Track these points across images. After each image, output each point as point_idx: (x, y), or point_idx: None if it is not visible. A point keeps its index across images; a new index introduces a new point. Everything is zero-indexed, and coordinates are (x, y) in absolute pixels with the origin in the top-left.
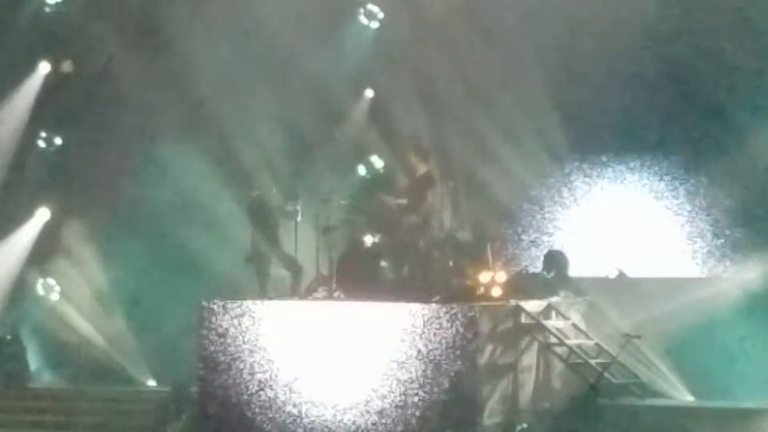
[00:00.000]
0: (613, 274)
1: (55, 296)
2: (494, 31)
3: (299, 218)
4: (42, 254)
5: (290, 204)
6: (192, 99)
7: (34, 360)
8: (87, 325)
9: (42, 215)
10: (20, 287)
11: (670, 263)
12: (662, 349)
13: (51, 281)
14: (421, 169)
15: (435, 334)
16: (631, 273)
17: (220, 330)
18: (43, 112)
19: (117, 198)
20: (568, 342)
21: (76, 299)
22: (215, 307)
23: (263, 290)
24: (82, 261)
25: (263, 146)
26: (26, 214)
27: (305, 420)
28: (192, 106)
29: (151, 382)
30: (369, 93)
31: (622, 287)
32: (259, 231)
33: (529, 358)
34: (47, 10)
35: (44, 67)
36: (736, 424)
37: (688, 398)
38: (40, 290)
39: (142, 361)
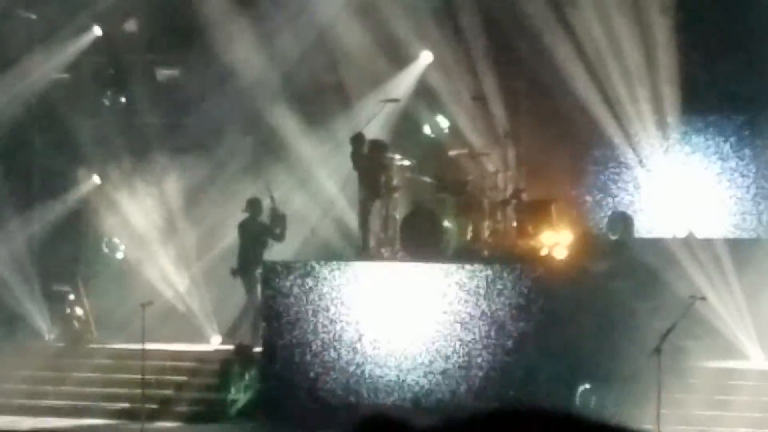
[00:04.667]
0: (682, 234)
1: (120, 255)
2: None
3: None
4: (107, 212)
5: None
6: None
7: (98, 318)
8: (152, 283)
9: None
10: (85, 245)
11: (735, 224)
12: (728, 310)
13: (116, 240)
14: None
15: (499, 295)
16: (698, 234)
17: (283, 290)
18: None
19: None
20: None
21: (140, 258)
22: (279, 267)
23: (249, 302)
24: (147, 220)
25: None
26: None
27: (368, 380)
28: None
29: (216, 340)
30: (429, 54)
31: (689, 248)
32: (246, 247)
33: (591, 319)
34: None
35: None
36: None
37: (756, 359)
38: (104, 248)
39: (208, 320)
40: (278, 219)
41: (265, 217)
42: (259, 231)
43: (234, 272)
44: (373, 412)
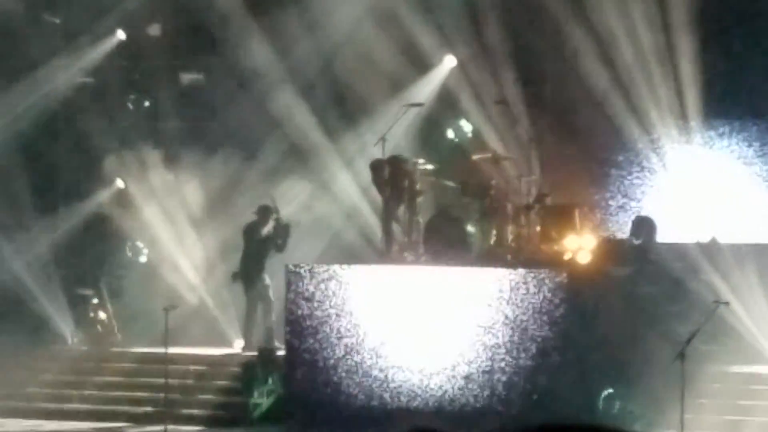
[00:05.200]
0: (705, 239)
1: (143, 258)
2: None
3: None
4: (130, 216)
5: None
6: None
7: (121, 322)
8: (175, 287)
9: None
10: (108, 249)
11: (758, 229)
12: (751, 314)
13: (139, 244)
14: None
15: (522, 300)
16: (721, 239)
17: (306, 294)
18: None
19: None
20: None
21: (164, 262)
22: (302, 271)
23: (251, 308)
24: (171, 224)
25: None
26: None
27: (392, 384)
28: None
29: (239, 344)
30: (453, 58)
31: (712, 253)
32: (250, 253)
33: (614, 324)
34: None
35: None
36: None
37: None
38: (128, 252)
39: (230, 324)
40: (281, 229)
41: (269, 227)
42: (263, 238)
43: (235, 276)
44: (421, 424)
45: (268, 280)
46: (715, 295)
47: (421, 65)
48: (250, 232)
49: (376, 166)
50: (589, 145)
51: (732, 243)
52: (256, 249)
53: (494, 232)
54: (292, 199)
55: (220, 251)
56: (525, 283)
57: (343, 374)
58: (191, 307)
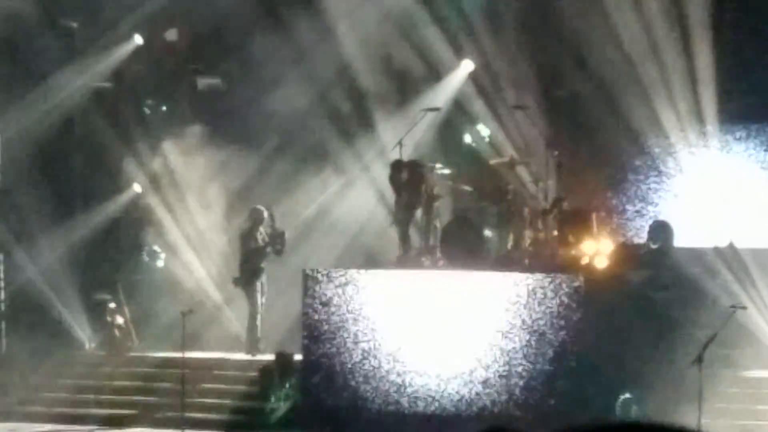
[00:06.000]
0: (723, 244)
1: (160, 263)
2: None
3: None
4: (148, 221)
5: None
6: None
7: (138, 327)
8: (192, 292)
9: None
10: (125, 255)
11: None
12: None
13: (157, 248)
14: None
15: (539, 304)
16: (738, 244)
17: (323, 299)
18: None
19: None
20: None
21: (181, 266)
22: (319, 275)
23: (253, 312)
24: (189, 228)
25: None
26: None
27: (409, 389)
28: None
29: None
30: (470, 63)
31: (729, 257)
32: (247, 258)
33: (632, 328)
34: None
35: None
36: None
37: None
38: (145, 257)
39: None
40: (277, 236)
41: (264, 233)
42: (259, 244)
43: (236, 282)
44: (491, 426)
45: (266, 284)
46: (732, 300)
47: (439, 70)
48: (245, 238)
49: (395, 166)
50: (606, 150)
51: (749, 247)
52: (252, 254)
53: (511, 236)
54: (310, 202)
55: (237, 255)
56: (542, 287)
57: (360, 379)
58: (209, 312)
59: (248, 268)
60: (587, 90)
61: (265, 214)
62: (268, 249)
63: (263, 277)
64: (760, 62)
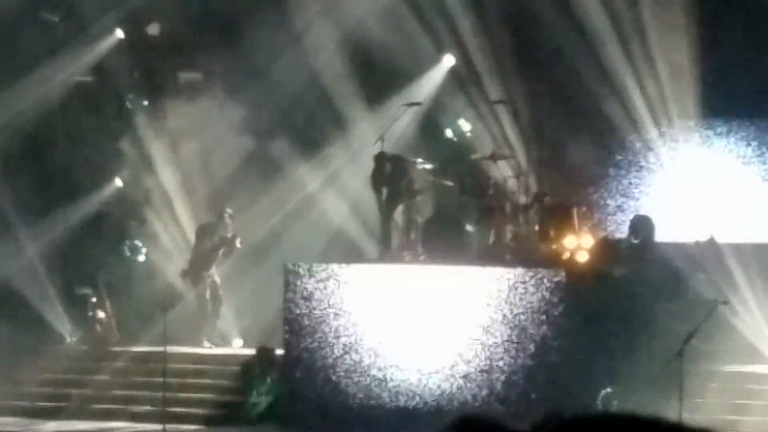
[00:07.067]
0: (703, 239)
1: (141, 258)
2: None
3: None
4: (129, 216)
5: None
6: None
7: (120, 321)
8: (173, 286)
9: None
10: (106, 249)
11: (757, 229)
12: (750, 314)
13: (138, 243)
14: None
15: (520, 299)
16: (719, 239)
17: (305, 293)
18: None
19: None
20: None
21: (162, 261)
22: (301, 270)
23: (202, 305)
24: (169, 223)
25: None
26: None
27: (390, 384)
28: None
29: (238, 343)
30: (451, 58)
31: (710, 252)
32: (200, 251)
33: (613, 322)
34: None
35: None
36: None
37: None
38: (126, 252)
39: (229, 323)
40: (229, 240)
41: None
42: (214, 241)
43: (184, 274)
44: (464, 414)
45: (217, 279)
46: (714, 294)
47: (421, 64)
48: (202, 232)
49: (379, 159)
50: (587, 145)
51: (730, 242)
52: (206, 250)
53: (492, 231)
54: (294, 196)
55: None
56: (523, 282)
57: (342, 373)
58: (190, 306)
59: (197, 264)
60: (569, 84)
61: (226, 216)
62: (221, 251)
63: (214, 276)
64: (742, 57)
